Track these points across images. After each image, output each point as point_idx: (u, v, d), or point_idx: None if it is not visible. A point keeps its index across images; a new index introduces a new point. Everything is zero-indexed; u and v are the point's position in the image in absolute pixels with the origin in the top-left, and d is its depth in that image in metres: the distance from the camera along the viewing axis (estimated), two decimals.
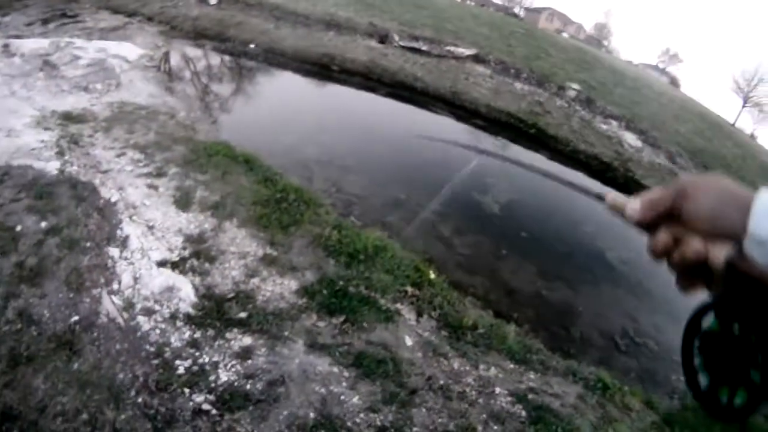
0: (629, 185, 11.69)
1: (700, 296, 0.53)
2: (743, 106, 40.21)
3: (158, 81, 8.90)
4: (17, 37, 12.01)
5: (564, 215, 8.65)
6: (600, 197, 0.62)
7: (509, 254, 6.42)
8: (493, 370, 3.55)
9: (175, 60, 11.35)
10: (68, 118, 6.21)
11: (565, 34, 48.15)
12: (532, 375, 3.74)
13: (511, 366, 3.74)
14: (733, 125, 33.92)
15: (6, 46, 8.96)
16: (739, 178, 14.22)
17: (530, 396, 3.47)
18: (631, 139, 13.89)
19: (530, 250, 6.81)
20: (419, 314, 3.92)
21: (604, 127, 14.15)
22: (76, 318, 3.12)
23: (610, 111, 14.85)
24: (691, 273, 0.52)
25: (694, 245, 0.50)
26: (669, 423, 4.04)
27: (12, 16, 18.42)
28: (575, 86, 15.52)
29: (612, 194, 0.62)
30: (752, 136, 39.91)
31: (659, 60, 61.43)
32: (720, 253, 0.48)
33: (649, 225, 0.56)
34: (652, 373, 5.34)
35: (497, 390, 3.40)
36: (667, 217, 0.54)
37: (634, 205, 0.57)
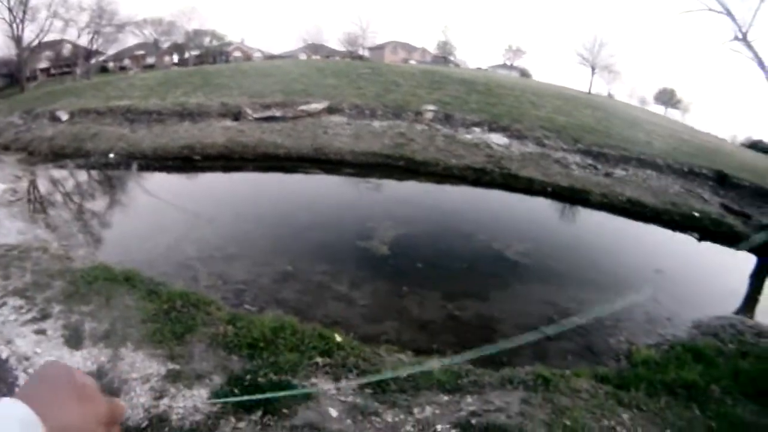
0: (508, 181, 12.43)
1: None
2: (593, 74, 43.85)
3: (25, 214, 8.33)
4: None
5: (453, 232, 8.71)
6: None
7: (411, 290, 6.25)
8: (428, 410, 3.46)
9: (39, 188, 10.57)
10: None
11: (412, 62, 50.41)
12: (469, 399, 3.68)
13: (446, 398, 3.66)
14: (589, 93, 37.09)
15: None
16: (608, 136, 15.88)
17: (474, 420, 3.40)
18: (496, 138, 14.64)
19: (430, 278, 6.74)
20: (337, 381, 3.77)
21: (469, 136, 14.74)
22: None
23: (471, 120, 15.50)
24: None
25: None
26: (622, 386, 4.08)
27: None
28: (431, 107, 16.21)
29: None
30: (610, 96, 44.62)
31: (505, 58, 63.87)
32: None
33: None
34: (590, 346, 5.37)
35: (439, 427, 3.30)
36: None
37: None
